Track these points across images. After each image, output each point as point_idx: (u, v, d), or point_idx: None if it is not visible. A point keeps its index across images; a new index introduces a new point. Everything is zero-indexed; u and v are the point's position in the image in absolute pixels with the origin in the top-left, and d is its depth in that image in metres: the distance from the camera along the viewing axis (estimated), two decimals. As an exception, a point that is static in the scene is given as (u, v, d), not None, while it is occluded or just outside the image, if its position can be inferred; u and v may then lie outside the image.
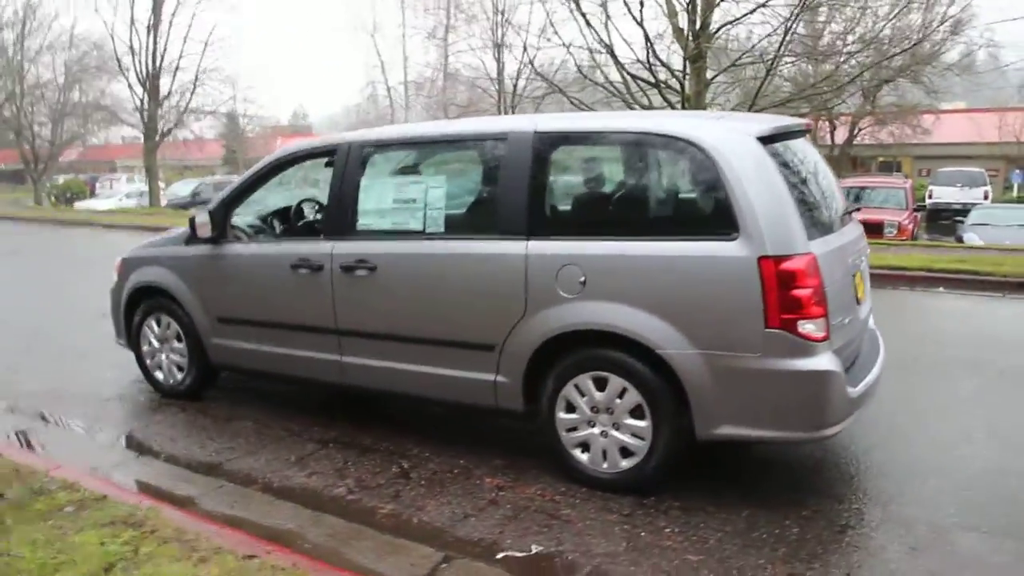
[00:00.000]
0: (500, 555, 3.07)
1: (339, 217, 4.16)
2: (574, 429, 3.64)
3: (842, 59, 14.23)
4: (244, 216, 4.85)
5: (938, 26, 16.03)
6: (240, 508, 3.46)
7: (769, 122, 3.44)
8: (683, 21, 13.98)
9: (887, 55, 14.31)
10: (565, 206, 3.77)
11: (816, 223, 3.42)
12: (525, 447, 4.09)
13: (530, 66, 15.90)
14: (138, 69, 28.47)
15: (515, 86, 22.08)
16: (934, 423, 4.45)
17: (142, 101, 29.09)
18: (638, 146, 3.52)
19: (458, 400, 3.95)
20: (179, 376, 4.99)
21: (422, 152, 4.20)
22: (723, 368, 3.25)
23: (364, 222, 4.11)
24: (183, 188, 31.54)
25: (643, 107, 14.78)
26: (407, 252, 3.92)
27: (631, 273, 3.38)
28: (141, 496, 3.54)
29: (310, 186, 5.43)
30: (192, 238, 4.74)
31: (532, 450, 4.04)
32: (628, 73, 13.63)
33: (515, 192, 3.65)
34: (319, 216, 5.11)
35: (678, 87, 13.63)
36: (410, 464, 3.98)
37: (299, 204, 5.05)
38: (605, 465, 3.58)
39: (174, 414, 4.78)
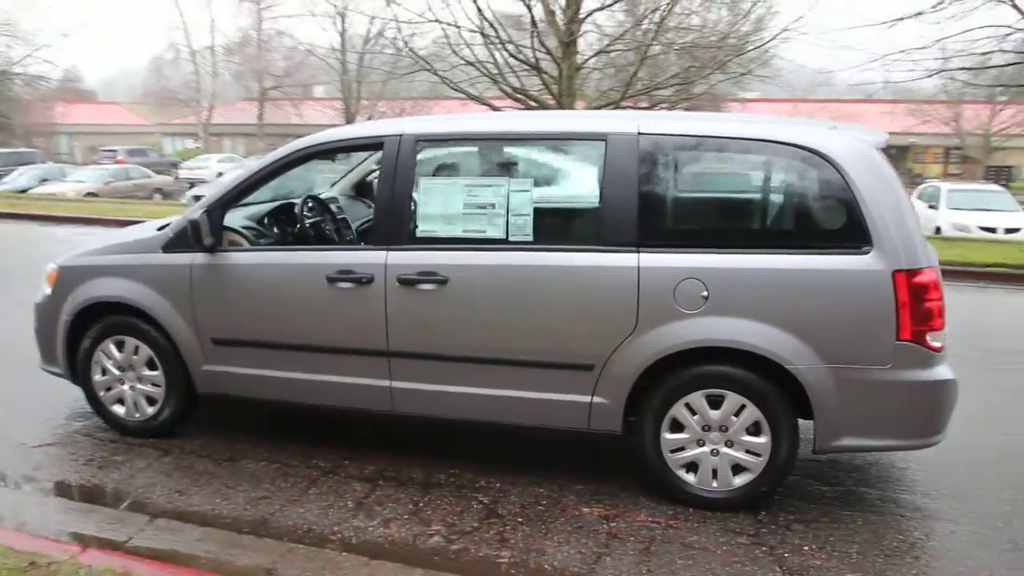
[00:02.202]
0: (671, 599, 2.85)
1: (393, 222, 3.61)
2: (680, 449, 3.47)
3: (676, 47, 14.74)
4: (238, 217, 4.09)
5: (742, 19, 17.05)
6: (341, 578, 2.92)
7: (879, 134, 3.43)
8: (555, 5, 14.01)
9: (710, 46, 15.17)
10: (680, 216, 3.53)
11: None
12: (593, 466, 3.87)
13: (396, 41, 15.01)
14: None
15: (361, 59, 20.90)
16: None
17: None
18: (758, 154, 3.37)
19: (540, 424, 3.61)
20: (150, 410, 4.14)
21: (499, 150, 3.74)
22: (850, 381, 3.23)
23: (426, 228, 3.60)
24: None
25: (513, 88, 14.69)
26: (488, 264, 3.49)
27: (759, 287, 3.24)
28: None
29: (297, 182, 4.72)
30: (175, 244, 3.92)
31: (604, 469, 3.83)
32: (509, 54, 13.41)
33: (620, 200, 3.36)
34: (316, 217, 4.46)
35: (555, 70, 13.67)
36: (489, 499, 3.59)
37: (310, 204, 4.34)
38: (715, 484, 3.45)
39: (157, 459, 3.96)
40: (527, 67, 13.66)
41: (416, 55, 14.79)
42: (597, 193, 3.44)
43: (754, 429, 3.37)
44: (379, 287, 3.59)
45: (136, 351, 4.09)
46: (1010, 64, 12.17)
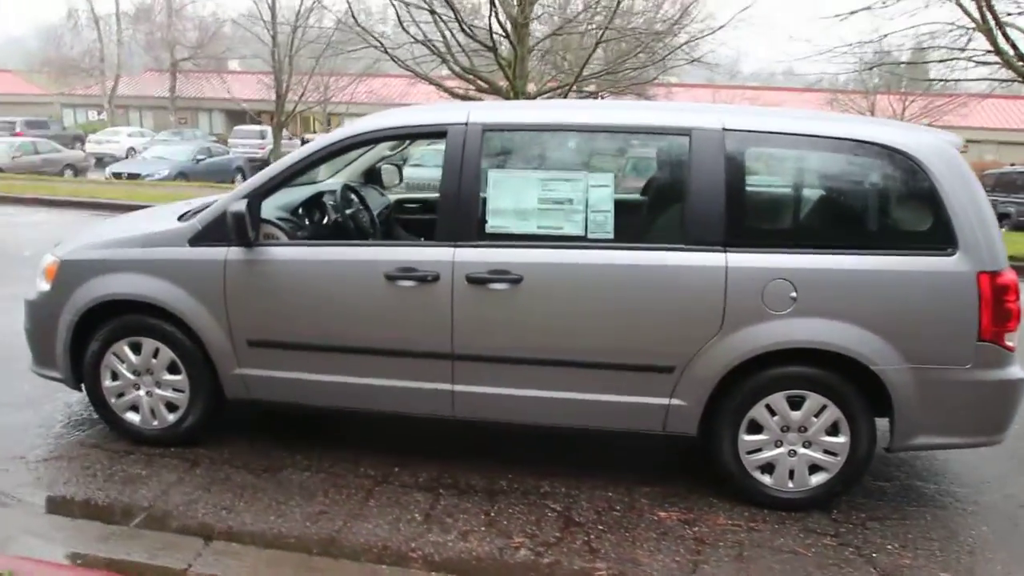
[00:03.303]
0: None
1: (460, 217, 3.38)
2: (757, 450, 3.42)
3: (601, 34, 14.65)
4: (270, 208, 3.76)
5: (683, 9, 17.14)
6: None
7: (956, 137, 3.43)
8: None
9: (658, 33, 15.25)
10: (767, 215, 3.44)
11: None
12: (650, 465, 3.78)
13: (342, 14, 14.37)
14: None
15: (293, 31, 19.96)
16: None
17: None
18: (844, 153, 3.32)
19: (611, 427, 3.49)
20: (171, 417, 3.78)
21: (576, 142, 3.55)
22: (931, 381, 3.25)
23: (497, 224, 3.39)
24: None
25: (463, 68, 14.38)
26: (566, 262, 3.32)
27: (847, 289, 3.21)
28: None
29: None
30: (207, 237, 3.57)
31: (665, 469, 3.76)
32: (465, 33, 13.08)
33: (706, 197, 3.26)
34: (352, 208, 4.16)
35: (510, 51, 13.45)
36: (560, 505, 3.45)
37: (347, 194, 4.03)
38: (791, 484, 3.42)
39: (187, 471, 3.61)
40: (483, 47, 13.37)
41: (365, 30, 14.23)
42: (681, 190, 3.33)
43: (833, 429, 3.35)
44: (445, 286, 3.37)
45: (156, 354, 3.72)
46: (943, 60, 12.75)
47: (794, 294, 3.20)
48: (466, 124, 3.43)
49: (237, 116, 38.01)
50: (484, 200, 3.39)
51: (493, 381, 3.46)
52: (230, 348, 3.63)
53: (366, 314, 3.47)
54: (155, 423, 3.80)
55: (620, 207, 3.34)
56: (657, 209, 3.47)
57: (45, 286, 3.82)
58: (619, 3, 13.26)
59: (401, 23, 13.71)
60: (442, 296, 3.38)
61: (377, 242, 3.74)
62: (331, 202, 4.19)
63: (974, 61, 12.31)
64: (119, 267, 3.69)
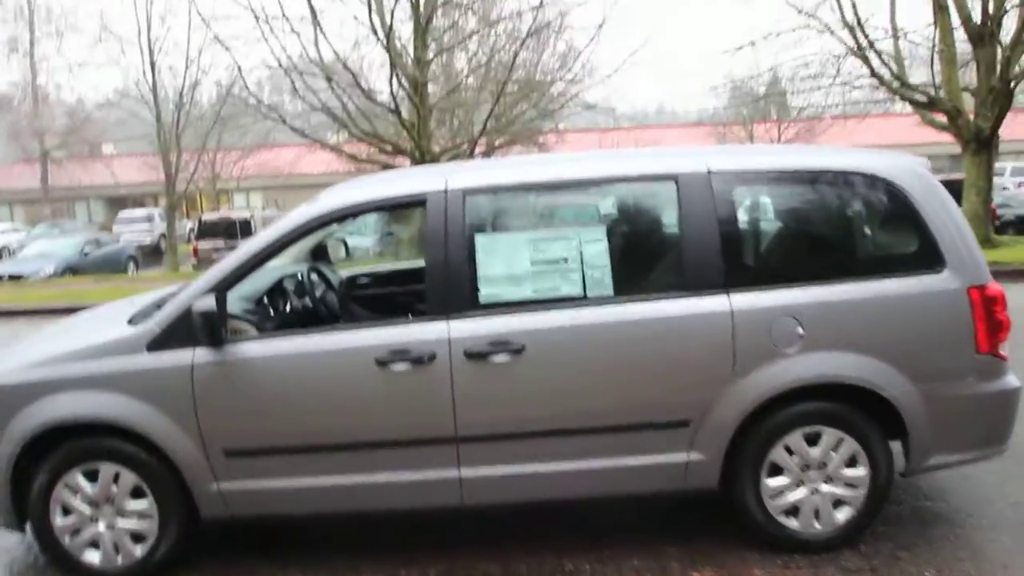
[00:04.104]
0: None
1: (450, 288, 3.18)
2: (780, 494, 3.32)
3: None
4: (232, 300, 3.43)
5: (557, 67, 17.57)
6: None
7: (922, 159, 3.52)
8: (403, 47, 13.79)
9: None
10: (763, 252, 3.41)
11: None
12: (678, 523, 3.63)
13: (237, 88, 13.99)
14: None
15: (179, 109, 19.24)
16: None
17: None
18: (827, 184, 3.34)
19: (631, 492, 3.32)
20: (138, 551, 3.32)
21: (561, 198, 3.42)
22: (938, 399, 3.26)
23: (490, 291, 3.21)
24: None
25: (365, 132, 14.22)
26: (567, 324, 3.16)
27: (849, 317, 3.21)
28: None
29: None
30: (167, 340, 3.21)
31: (682, 524, 3.61)
32: (369, 98, 12.97)
33: (701, 241, 3.20)
34: (321, 291, 3.87)
35: (412, 112, 13.41)
36: (595, 583, 3.23)
37: (313, 276, 3.73)
38: (819, 525, 3.34)
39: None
40: (387, 110, 13.27)
41: (260, 101, 13.89)
42: (675, 236, 3.26)
43: (851, 461, 3.31)
44: (442, 365, 3.14)
45: (116, 479, 3.28)
46: (822, 88, 13.64)
47: (800, 330, 3.16)
48: (445, 191, 3.26)
49: (117, 202, 36.26)
50: (474, 268, 3.21)
51: (503, 460, 3.24)
52: (204, 462, 3.24)
53: (358, 405, 3.19)
54: (120, 560, 3.33)
55: (616, 260, 3.24)
56: (654, 258, 3.39)
57: (-31, 416, 3.32)
58: (515, 58, 13.50)
59: (298, 92, 13.46)
60: (440, 376, 3.15)
61: (361, 324, 3.46)
62: (292, 286, 3.89)
63: (850, 85, 13.23)
64: (64, 386, 3.26)
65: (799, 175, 3.34)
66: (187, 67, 18.34)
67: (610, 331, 3.17)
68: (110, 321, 3.59)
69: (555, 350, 3.17)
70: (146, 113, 20.80)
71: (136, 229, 28.19)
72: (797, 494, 3.32)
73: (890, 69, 11.54)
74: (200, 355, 3.20)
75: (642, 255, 3.38)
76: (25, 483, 3.29)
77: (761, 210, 3.42)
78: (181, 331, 3.19)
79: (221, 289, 3.19)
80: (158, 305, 3.53)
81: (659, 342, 3.18)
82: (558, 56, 17.31)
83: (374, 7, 12.74)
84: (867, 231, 3.45)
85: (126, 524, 3.32)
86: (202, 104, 20.68)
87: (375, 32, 12.53)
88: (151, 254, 26.05)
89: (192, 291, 3.26)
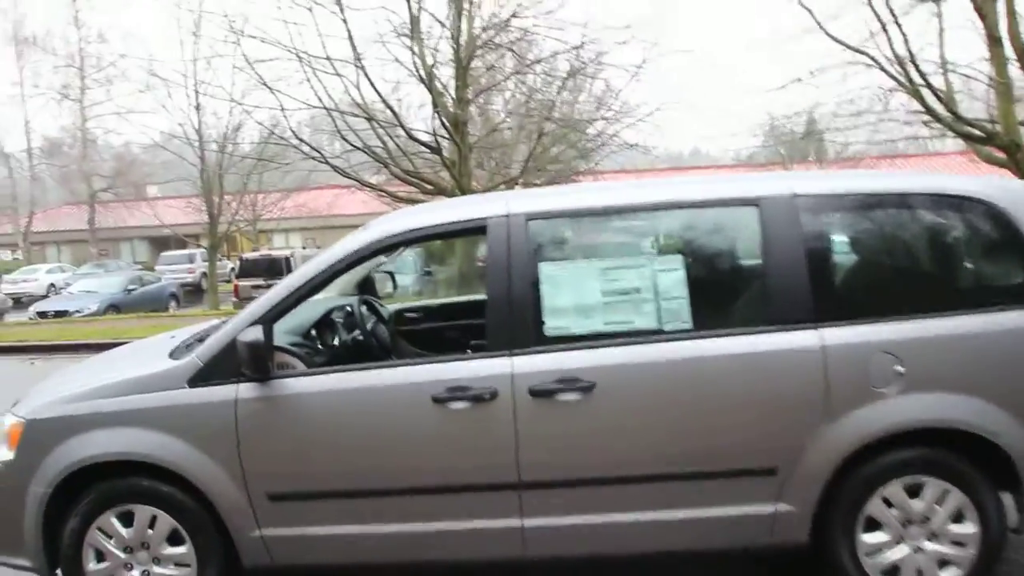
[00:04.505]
0: None
1: (514, 321, 2.95)
2: (878, 551, 2.98)
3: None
4: (278, 333, 3.23)
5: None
6: None
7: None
8: (443, 87, 13.83)
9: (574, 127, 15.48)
10: (856, 282, 3.12)
11: None
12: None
13: (278, 128, 14.14)
14: None
15: (222, 150, 19.57)
16: None
17: None
18: (923, 208, 3.06)
19: (709, 547, 3.01)
20: (177, 602, 3.09)
21: (633, 223, 3.19)
22: None
23: (557, 324, 2.96)
24: None
25: (405, 171, 14.21)
26: (642, 360, 2.90)
27: (953, 354, 2.89)
28: None
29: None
30: (209, 374, 3.02)
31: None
32: (412, 138, 12.97)
33: (787, 270, 2.93)
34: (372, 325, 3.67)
35: (453, 150, 13.38)
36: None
37: (363, 309, 3.53)
38: (921, 587, 2.98)
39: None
40: (428, 149, 13.25)
41: (302, 140, 13.97)
42: (758, 265, 2.99)
43: (958, 516, 2.95)
44: (505, 403, 2.89)
45: (152, 523, 3.07)
46: (870, 124, 13.31)
47: (900, 368, 2.85)
48: (507, 215, 3.05)
49: (160, 243, 36.99)
50: (539, 298, 2.97)
51: (569, 509, 2.95)
52: (247, 506, 3.01)
53: (412, 447, 2.95)
54: (157, 613, 3.10)
55: (694, 291, 2.97)
56: (735, 289, 3.13)
57: (6, 454, 3.15)
58: (556, 97, 13.45)
59: (340, 133, 13.52)
60: (502, 415, 2.90)
61: (416, 360, 3.24)
62: (341, 319, 3.69)
63: (899, 121, 12.87)
64: (101, 422, 3.07)
65: (893, 198, 3.06)
66: (231, 110, 18.67)
67: (689, 368, 2.90)
68: (150, 355, 3.42)
69: (628, 388, 2.90)
70: (191, 155, 21.18)
71: (178, 269, 28.64)
72: (897, 552, 2.96)
73: (944, 103, 11.16)
74: (245, 390, 3.00)
75: (722, 286, 3.11)
76: (58, 525, 3.10)
77: (852, 236, 3.14)
78: (225, 364, 3.00)
79: (268, 320, 3.00)
80: (201, 339, 3.34)
81: (742, 381, 2.89)
82: (595, 98, 17.34)
83: (415, 50, 12.85)
84: (970, 259, 3.14)
85: (162, 571, 3.09)
86: (244, 147, 20.98)
87: (417, 72, 12.56)
88: (192, 293, 26.39)
89: (238, 322, 3.07)
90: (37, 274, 29.92)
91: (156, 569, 3.09)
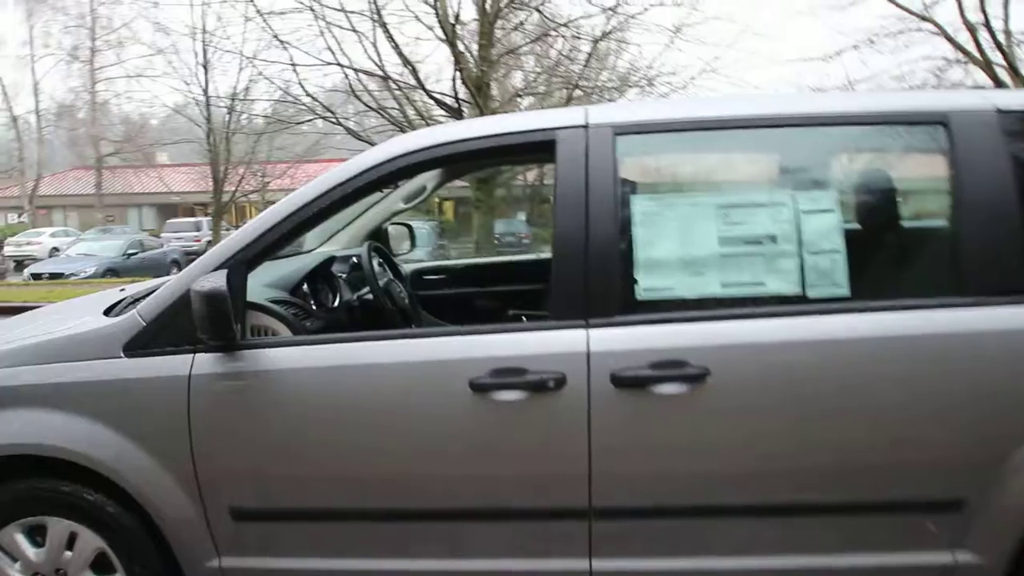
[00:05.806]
0: None
1: (592, 278, 2.04)
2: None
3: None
4: (257, 286, 2.34)
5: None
6: None
7: None
8: (466, 47, 12.91)
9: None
10: None
11: None
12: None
13: (290, 85, 13.22)
14: None
15: (230, 111, 18.70)
16: None
17: None
18: None
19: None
20: (97, 650, 2.22)
21: (769, 143, 2.25)
22: None
23: (655, 285, 2.05)
24: None
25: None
26: (777, 341, 1.99)
27: None
28: None
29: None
30: (154, 338, 2.13)
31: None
32: (430, 96, 12.12)
33: (992, 219, 2.00)
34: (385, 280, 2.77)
35: (475, 114, 12.48)
36: None
37: (377, 259, 2.63)
38: None
39: None
40: (448, 112, 12.36)
41: (315, 100, 13.07)
42: (946, 211, 2.07)
43: None
44: (575, 394, 1.99)
45: (71, 542, 2.20)
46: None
47: None
48: (586, 125, 2.12)
49: (168, 210, 36.36)
50: (629, 247, 2.06)
51: (660, 549, 2.06)
52: (202, 525, 2.14)
53: (439, 451, 2.05)
54: (71, 662, 2.24)
55: (851, 245, 2.05)
56: (911, 244, 2.21)
57: None
58: (587, 63, 12.48)
59: (354, 92, 12.62)
60: (571, 412, 1.99)
61: (446, 328, 2.34)
62: (343, 272, 2.79)
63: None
64: (9, 399, 2.20)
65: None
66: (240, 67, 17.76)
67: (844, 353, 1.98)
68: (84, 312, 2.52)
69: (756, 379, 1.98)
70: (197, 116, 20.33)
71: (183, 236, 28.06)
72: None
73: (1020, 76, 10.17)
74: (202, 363, 2.10)
75: (892, 239, 2.19)
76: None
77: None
78: (176, 325, 2.11)
79: (239, 264, 2.10)
80: (154, 291, 2.46)
81: (923, 374, 1.98)
82: (628, 63, 16.34)
83: (438, 5, 11.92)
84: None
85: (83, 610, 2.22)
86: (254, 108, 20.08)
87: (440, 22, 11.64)
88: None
89: (197, 266, 2.17)
90: (41, 237, 29.48)
91: (72, 606, 2.22)
